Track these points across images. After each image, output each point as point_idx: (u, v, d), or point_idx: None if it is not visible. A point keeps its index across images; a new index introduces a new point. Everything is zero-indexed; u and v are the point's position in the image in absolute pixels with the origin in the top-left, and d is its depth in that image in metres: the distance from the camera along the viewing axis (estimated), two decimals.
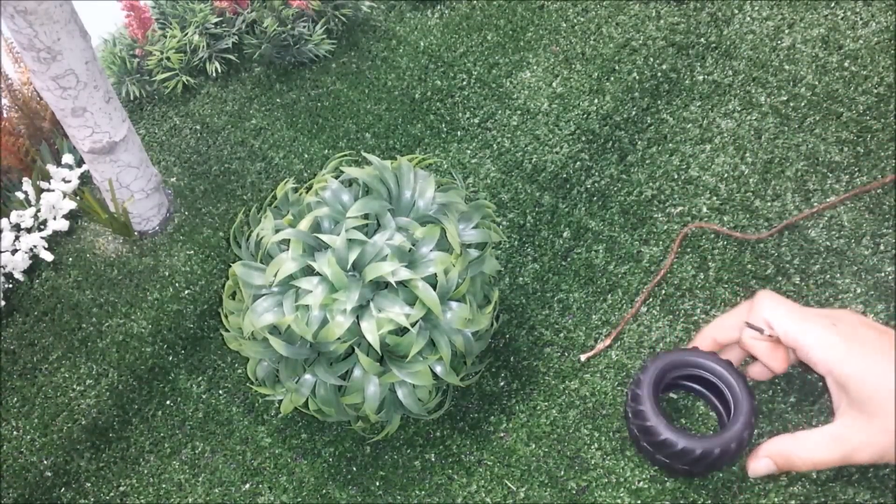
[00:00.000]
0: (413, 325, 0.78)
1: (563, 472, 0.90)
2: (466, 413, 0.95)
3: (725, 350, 0.54)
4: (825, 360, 0.47)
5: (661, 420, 0.50)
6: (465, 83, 1.27)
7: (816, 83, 1.17)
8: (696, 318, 0.98)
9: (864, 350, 0.46)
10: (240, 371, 1.02)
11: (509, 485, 0.90)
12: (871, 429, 0.46)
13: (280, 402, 0.87)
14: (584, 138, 1.17)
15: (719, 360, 0.52)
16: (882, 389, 0.45)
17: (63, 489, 0.96)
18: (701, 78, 1.21)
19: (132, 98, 1.30)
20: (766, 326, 0.50)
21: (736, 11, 1.28)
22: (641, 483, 0.88)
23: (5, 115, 1.19)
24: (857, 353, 0.46)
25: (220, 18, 1.31)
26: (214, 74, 1.30)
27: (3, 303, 1.11)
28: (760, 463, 0.51)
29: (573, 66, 1.26)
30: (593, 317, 1.01)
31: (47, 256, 1.13)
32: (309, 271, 0.80)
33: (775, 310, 0.50)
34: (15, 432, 1.01)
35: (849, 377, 0.46)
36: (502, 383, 0.97)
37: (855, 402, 0.46)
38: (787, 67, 1.20)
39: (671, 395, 0.93)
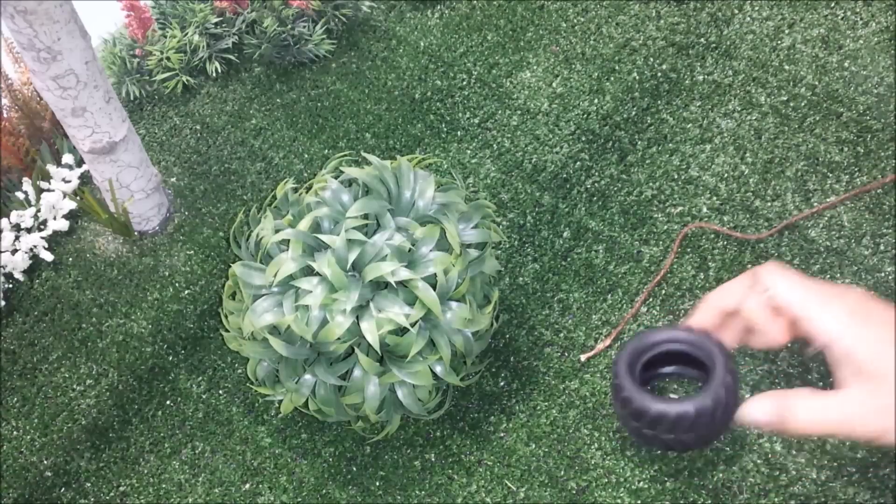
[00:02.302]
0: (413, 325, 0.78)
1: (563, 472, 0.90)
2: (466, 413, 0.95)
3: (726, 324, 0.53)
4: (827, 332, 0.46)
5: (635, 387, 0.50)
6: (465, 83, 1.27)
7: (816, 83, 1.17)
8: None
9: (869, 321, 0.45)
10: (240, 371, 1.02)
11: (509, 485, 0.90)
12: (876, 401, 0.44)
13: (280, 402, 0.87)
14: (584, 138, 1.17)
15: (693, 329, 0.53)
16: (887, 360, 0.44)
17: (63, 489, 0.96)
18: (701, 78, 1.21)
19: (132, 98, 1.30)
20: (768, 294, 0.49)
21: (736, 11, 1.28)
22: (641, 483, 0.88)
23: (5, 115, 1.19)
24: (862, 325, 0.45)
25: (220, 18, 1.31)
26: (214, 74, 1.30)
27: (3, 303, 1.11)
28: (757, 405, 0.48)
29: (573, 66, 1.26)
30: (593, 317, 1.01)
31: (47, 256, 1.13)
32: (309, 271, 0.80)
33: (780, 279, 0.48)
34: (15, 432, 1.01)
35: (852, 349, 0.45)
36: (502, 383, 0.97)
37: (858, 374, 0.45)
38: (787, 67, 1.20)
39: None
